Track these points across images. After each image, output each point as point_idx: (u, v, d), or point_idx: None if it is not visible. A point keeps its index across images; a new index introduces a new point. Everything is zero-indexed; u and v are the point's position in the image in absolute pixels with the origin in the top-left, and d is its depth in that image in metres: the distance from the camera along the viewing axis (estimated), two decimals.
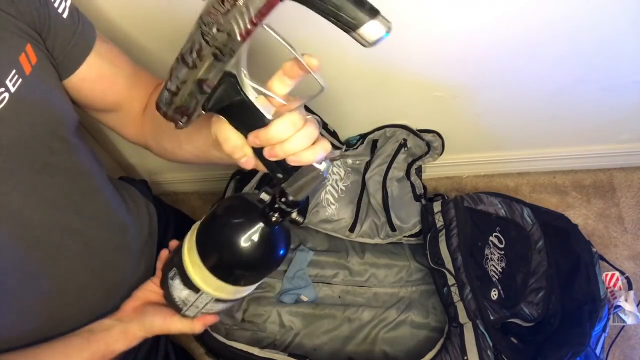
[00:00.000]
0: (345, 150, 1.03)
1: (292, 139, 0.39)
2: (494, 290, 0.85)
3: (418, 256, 1.06)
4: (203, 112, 0.41)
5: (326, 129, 0.99)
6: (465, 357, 0.79)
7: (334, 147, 1.01)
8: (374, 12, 0.31)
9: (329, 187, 0.98)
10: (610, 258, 1.08)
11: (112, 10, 0.73)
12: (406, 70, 0.85)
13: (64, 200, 0.56)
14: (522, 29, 0.76)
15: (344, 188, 0.99)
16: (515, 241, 0.90)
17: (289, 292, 1.02)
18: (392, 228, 0.97)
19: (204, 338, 0.85)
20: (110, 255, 0.65)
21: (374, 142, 1.04)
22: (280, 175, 0.44)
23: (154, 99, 0.60)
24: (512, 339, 0.84)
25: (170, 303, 0.61)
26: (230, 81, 0.38)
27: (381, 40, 0.31)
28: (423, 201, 1.01)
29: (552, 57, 0.83)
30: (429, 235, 0.90)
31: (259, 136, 0.39)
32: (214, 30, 0.34)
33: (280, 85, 0.40)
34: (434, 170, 1.21)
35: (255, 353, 0.83)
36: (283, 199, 0.45)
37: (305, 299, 1.03)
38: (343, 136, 1.05)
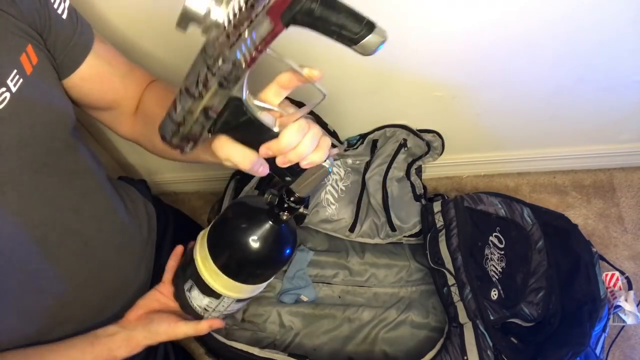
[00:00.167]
0: (345, 150, 1.03)
1: (302, 144, 0.41)
2: (494, 290, 0.85)
3: (418, 256, 1.06)
4: (209, 135, 0.42)
5: (326, 129, 0.99)
6: (465, 357, 0.79)
7: (333, 146, 1.01)
8: (371, 26, 0.33)
9: (329, 187, 0.98)
10: (610, 258, 1.08)
11: (109, 11, 0.73)
12: (406, 70, 0.85)
13: (64, 200, 0.56)
14: (522, 29, 0.76)
15: (344, 188, 0.99)
16: (515, 241, 0.90)
17: (289, 292, 1.02)
18: (392, 228, 0.97)
19: (204, 338, 0.84)
20: (109, 255, 0.65)
21: (374, 142, 1.04)
22: (289, 179, 0.46)
23: (146, 98, 0.61)
24: (512, 339, 0.84)
25: (190, 312, 0.63)
26: (235, 104, 0.39)
27: (379, 49, 0.34)
28: (423, 201, 1.01)
29: (552, 57, 0.83)
30: (429, 235, 0.90)
31: (271, 148, 0.41)
32: (220, 62, 0.35)
33: (276, 96, 0.41)
34: (434, 170, 1.21)
35: (255, 353, 0.83)
36: (292, 198, 0.48)
37: (305, 299, 1.03)
38: (343, 136, 1.05)
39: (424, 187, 1.06)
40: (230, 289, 0.57)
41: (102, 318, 0.66)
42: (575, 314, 0.85)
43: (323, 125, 0.99)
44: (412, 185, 1.03)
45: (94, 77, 0.56)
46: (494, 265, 0.87)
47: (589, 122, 1.04)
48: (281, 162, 0.42)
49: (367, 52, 0.34)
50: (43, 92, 0.50)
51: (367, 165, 1.03)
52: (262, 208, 0.52)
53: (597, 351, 0.83)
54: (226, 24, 0.33)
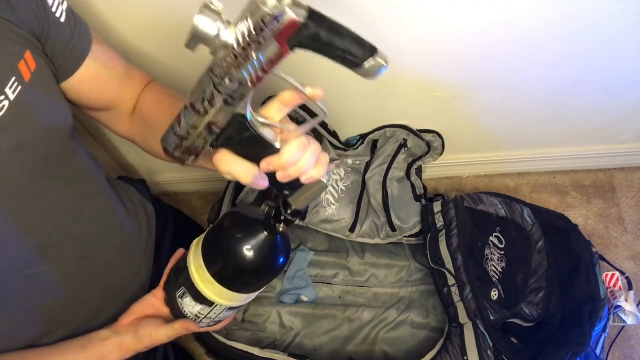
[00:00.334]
0: (345, 150, 1.03)
1: (302, 160, 0.42)
2: (494, 290, 0.85)
3: (418, 256, 1.06)
4: (211, 149, 0.43)
5: (326, 129, 0.99)
6: (465, 357, 0.79)
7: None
8: (373, 51, 0.35)
9: (329, 187, 0.98)
10: (610, 258, 1.08)
11: (107, 11, 0.73)
12: (406, 70, 0.85)
13: (62, 205, 0.56)
14: (522, 29, 0.76)
15: (344, 188, 0.99)
16: (515, 241, 0.90)
17: (289, 292, 1.02)
18: (392, 228, 0.97)
19: (204, 338, 0.85)
20: (109, 257, 0.65)
21: (374, 142, 1.04)
22: (287, 192, 0.47)
23: (144, 100, 0.60)
24: (512, 339, 0.84)
25: (181, 319, 0.63)
26: (239, 120, 0.40)
27: (380, 73, 0.36)
28: (423, 201, 1.01)
29: (552, 57, 0.83)
30: (429, 235, 0.90)
31: (272, 163, 0.42)
32: (226, 80, 0.36)
33: (278, 112, 0.42)
34: (434, 170, 1.21)
35: (255, 353, 0.83)
36: (288, 211, 0.49)
37: (305, 299, 1.03)
38: (343, 136, 1.05)
39: (424, 187, 1.06)
40: (224, 297, 0.57)
41: (102, 319, 0.66)
42: (575, 314, 0.85)
43: (323, 125, 0.99)
44: (412, 185, 1.03)
45: (92, 79, 0.56)
46: (494, 265, 0.87)
47: (589, 122, 1.04)
48: (281, 177, 0.43)
49: (369, 75, 0.36)
50: (41, 98, 0.50)
51: (367, 165, 1.03)
52: (258, 218, 0.53)
53: (597, 351, 0.83)
54: (235, 45, 0.34)
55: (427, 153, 1.05)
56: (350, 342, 0.99)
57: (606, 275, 0.93)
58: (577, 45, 0.80)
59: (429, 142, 1.04)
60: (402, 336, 0.99)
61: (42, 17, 0.49)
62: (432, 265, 0.88)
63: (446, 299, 0.86)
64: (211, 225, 0.60)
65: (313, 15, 0.33)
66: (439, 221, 0.90)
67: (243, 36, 0.34)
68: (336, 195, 0.98)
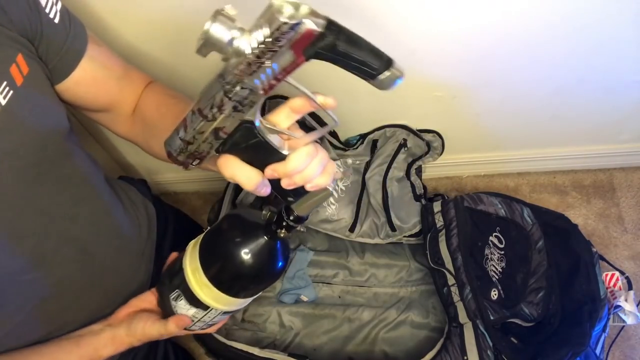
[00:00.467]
0: (345, 150, 1.03)
1: (309, 168, 0.41)
2: (494, 290, 0.85)
3: (418, 256, 1.06)
4: (216, 154, 0.42)
5: None
6: (465, 357, 0.79)
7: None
8: (389, 63, 0.35)
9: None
10: (610, 258, 1.08)
11: (107, 11, 0.73)
12: (406, 71, 0.85)
13: (58, 209, 0.55)
14: (522, 29, 0.76)
15: (344, 188, 0.99)
16: (515, 241, 0.90)
17: (289, 292, 1.02)
18: (392, 228, 0.97)
19: (204, 338, 0.85)
20: (109, 258, 0.64)
21: (374, 142, 1.04)
22: (291, 199, 0.46)
23: (145, 101, 0.60)
24: (512, 339, 0.84)
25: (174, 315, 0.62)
26: (247, 127, 0.39)
27: (396, 85, 0.36)
28: (423, 201, 1.01)
29: (552, 57, 0.83)
30: (429, 235, 0.90)
31: (277, 170, 0.41)
32: (238, 88, 0.36)
33: (287, 119, 0.41)
34: (434, 170, 1.21)
35: (255, 353, 0.83)
36: (291, 217, 0.48)
37: (305, 299, 1.03)
38: (343, 136, 1.05)
39: (424, 187, 1.06)
40: (219, 302, 0.56)
41: (102, 320, 0.65)
42: (575, 314, 0.85)
43: (323, 125, 0.99)
44: (412, 185, 1.03)
45: (89, 80, 0.55)
46: (494, 265, 0.87)
47: (589, 122, 1.04)
48: (286, 185, 0.42)
49: (384, 87, 0.36)
50: (35, 103, 0.49)
51: (367, 165, 1.03)
52: (259, 223, 0.52)
53: (597, 351, 0.83)
54: (249, 54, 0.33)
55: (427, 153, 1.05)
56: (350, 342, 0.99)
57: (606, 275, 0.93)
58: (577, 45, 0.80)
59: (429, 142, 1.04)
60: (402, 336, 0.99)
61: (34, 18, 0.47)
62: (432, 265, 0.88)
63: (446, 299, 0.86)
64: (209, 227, 0.59)
65: (331, 25, 0.33)
66: (439, 221, 0.90)
67: (258, 44, 0.33)
68: (336, 195, 0.98)
